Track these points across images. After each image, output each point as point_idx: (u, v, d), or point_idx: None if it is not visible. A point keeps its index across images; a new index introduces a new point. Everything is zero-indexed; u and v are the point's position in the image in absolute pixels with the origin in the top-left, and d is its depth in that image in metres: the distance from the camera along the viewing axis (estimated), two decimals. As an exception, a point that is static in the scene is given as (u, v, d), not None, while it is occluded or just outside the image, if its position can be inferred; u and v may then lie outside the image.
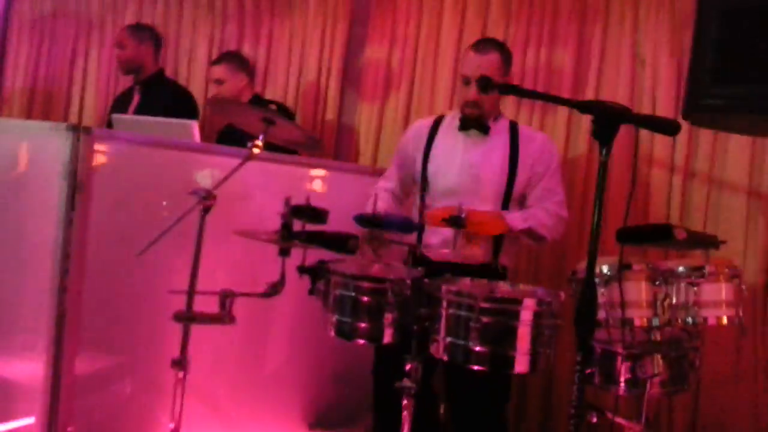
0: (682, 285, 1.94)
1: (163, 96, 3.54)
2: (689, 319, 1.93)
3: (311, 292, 2.03)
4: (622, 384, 1.98)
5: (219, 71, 3.35)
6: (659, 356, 1.94)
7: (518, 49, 3.11)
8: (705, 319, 1.94)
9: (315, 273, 2.02)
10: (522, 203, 2.53)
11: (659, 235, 1.85)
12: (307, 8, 3.75)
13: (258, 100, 3.41)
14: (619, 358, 1.93)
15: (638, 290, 1.90)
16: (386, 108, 3.53)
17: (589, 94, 3.04)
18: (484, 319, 1.75)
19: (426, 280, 1.91)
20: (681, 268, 1.94)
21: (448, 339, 1.82)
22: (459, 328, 1.80)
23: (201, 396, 2.46)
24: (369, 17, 3.59)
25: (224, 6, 3.99)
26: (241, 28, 3.96)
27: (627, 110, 1.66)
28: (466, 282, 2.01)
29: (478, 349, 1.77)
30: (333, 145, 3.67)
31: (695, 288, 1.93)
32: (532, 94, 2.47)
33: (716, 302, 1.95)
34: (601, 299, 1.86)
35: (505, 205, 2.47)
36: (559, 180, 2.53)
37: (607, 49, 3.05)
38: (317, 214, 2.03)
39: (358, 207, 2.27)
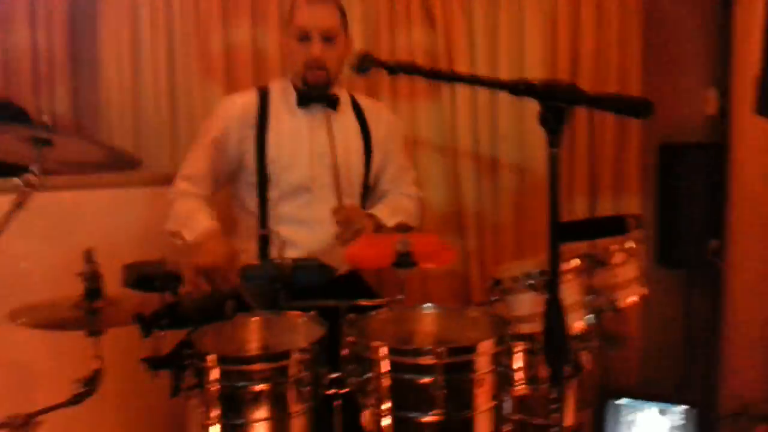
0: (601, 273, 1.75)
1: None
2: (611, 305, 1.77)
3: (175, 393, 1.38)
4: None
5: None
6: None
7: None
8: (623, 302, 1.79)
9: (178, 364, 1.37)
10: (374, 188, 2.12)
11: (612, 228, 1.62)
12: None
13: None
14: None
15: (573, 291, 1.66)
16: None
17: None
18: (440, 381, 1.33)
19: (350, 339, 1.40)
20: (598, 255, 1.75)
21: (395, 413, 1.36)
22: (405, 397, 1.36)
23: None
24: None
25: None
26: None
27: (577, 89, 1.33)
28: (384, 319, 1.54)
29: (428, 420, 1.35)
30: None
31: (612, 272, 1.77)
32: (437, 75, 1.92)
33: (629, 281, 1.81)
34: (539, 309, 1.56)
35: (365, 196, 2.03)
36: (409, 154, 2.21)
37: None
38: (167, 280, 1.37)
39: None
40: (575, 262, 1.65)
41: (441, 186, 2.89)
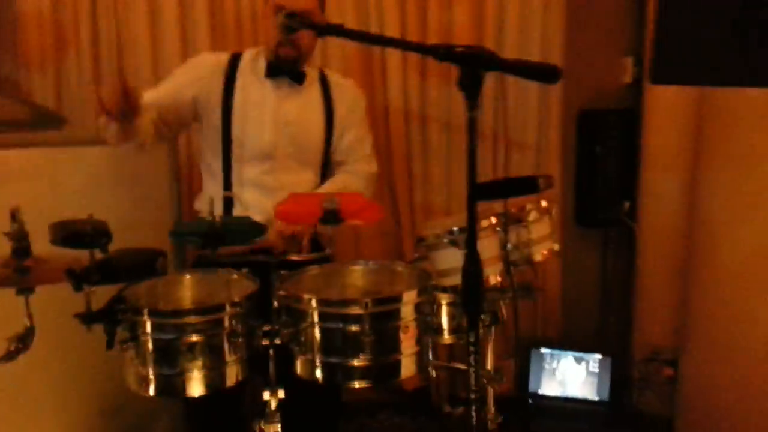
0: (515, 229, 1.87)
1: None
2: (525, 260, 1.89)
3: (109, 345, 1.43)
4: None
5: None
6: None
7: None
8: (537, 256, 1.92)
9: (111, 319, 1.42)
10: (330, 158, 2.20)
11: (525, 187, 1.72)
12: None
13: None
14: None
15: (490, 246, 1.77)
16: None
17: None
18: (368, 329, 1.43)
19: (280, 290, 1.48)
20: (513, 212, 1.86)
21: (325, 359, 1.45)
22: (337, 344, 1.45)
23: None
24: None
25: None
26: None
27: (494, 55, 1.42)
28: (314, 275, 1.62)
29: (358, 363, 1.45)
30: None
31: (527, 229, 1.89)
32: (368, 36, 1.94)
33: (543, 237, 1.94)
34: (460, 263, 1.67)
35: (324, 167, 2.12)
36: (369, 128, 2.26)
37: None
38: (95, 236, 1.40)
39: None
40: (492, 219, 1.76)
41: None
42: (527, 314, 3.30)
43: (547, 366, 3.17)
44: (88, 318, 1.40)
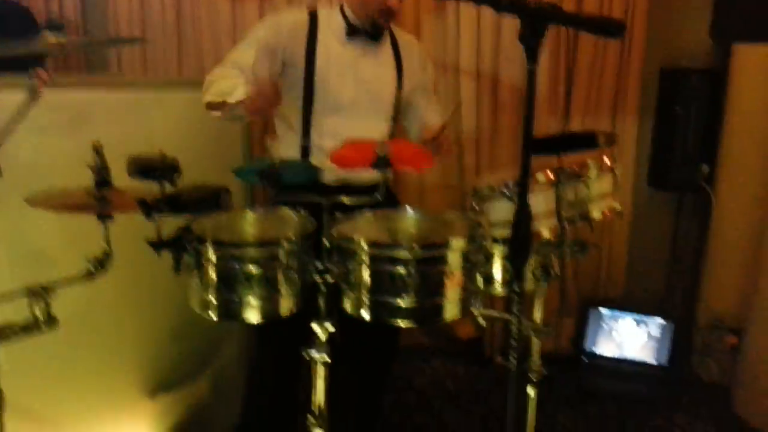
0: (574, 184, 1.86)
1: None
2: (583, 216, 1.89)
3: (177, 269, 1.56)
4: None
5: None
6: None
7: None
8: (595, 213, 1.91)
9: (178, 246, 1.54)
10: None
11: (584, 142, 1.72)
12: None
13: None
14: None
15: (545, 201, 1.78)
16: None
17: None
18: (414, 272, 1.49)
19: (332, 232, 1.56)
20: (572, 168, 1.85)
21: (372, 297, 1.53)
22: (384, 285, 1.51)
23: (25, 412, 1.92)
24: None
25: None
26: None
27: (556, 7, 1.41)
28: (368, 219, 1.70)
29: (403, 304, 1.52)
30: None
31: (587, 185, 1.88)
32: None
33: (603, 195, 1.93)
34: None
35: (395, 117, 2.25)
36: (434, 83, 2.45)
37: None
38: (165, 170, 1.51)
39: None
40: (548, 173, 1.76)
41: (442, 102, 2.99)
42: (590, 273, 3.29)
43: (605, 326, 3.16)
44: (158, 245, 1.53)
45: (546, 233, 1.79)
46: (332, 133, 2.10)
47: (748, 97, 2.91)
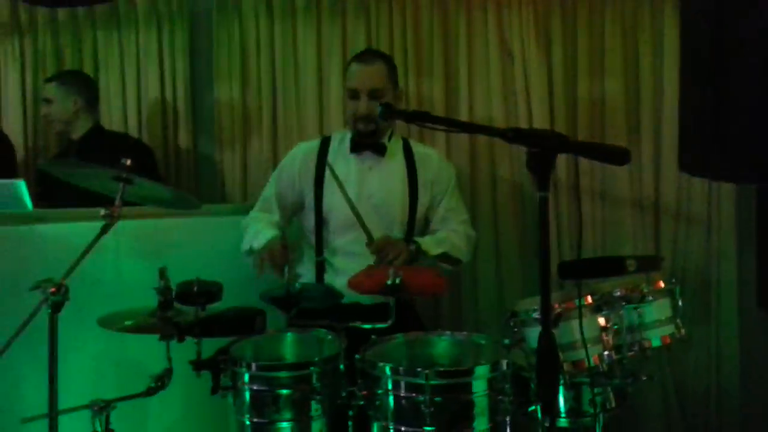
0: (624, 310, 1.78)
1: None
2: (636, 344, 1.79)
3: (214, 391, 1.66)
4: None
5: (49, 89, 2.86)
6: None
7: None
8: (650, 341, 1.81)
9: (216, 367, 1.65)
10: (425, 226, 2.32)
11: (611, 268, 1.68)
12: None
13: (100, 132, 2.91)
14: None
15: (589, 326, 1.71)
16: (249, 149, 3.16)
17: (462, 92, 2.87)
18: (430, 399, 1.48)
19: (357, 356, 1.61)
20: (619, 293, 1.78)
21: (395, 427, 1.53)
22: (408, 412, 1.52)
23: None
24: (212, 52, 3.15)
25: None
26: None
27: (565, 138, 1.44)
28: (397, 344, 1.73)
29: (429, 434, 1.49)
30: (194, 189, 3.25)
31: (638, 311, 1.80)
32: (449, 122, 1.94)
33: (659, 321, 1.82)
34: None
35: (410, 232, 2.25)
36: (460, 198, 2.38)
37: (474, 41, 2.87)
38: (208, 295, 1.66)
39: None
40: (588, 299, 1.71)
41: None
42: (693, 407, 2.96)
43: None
44: (197, 365, 1.65)
45: (594, 361, 1.71)
46: (343, 251, 2.19)
47: None
